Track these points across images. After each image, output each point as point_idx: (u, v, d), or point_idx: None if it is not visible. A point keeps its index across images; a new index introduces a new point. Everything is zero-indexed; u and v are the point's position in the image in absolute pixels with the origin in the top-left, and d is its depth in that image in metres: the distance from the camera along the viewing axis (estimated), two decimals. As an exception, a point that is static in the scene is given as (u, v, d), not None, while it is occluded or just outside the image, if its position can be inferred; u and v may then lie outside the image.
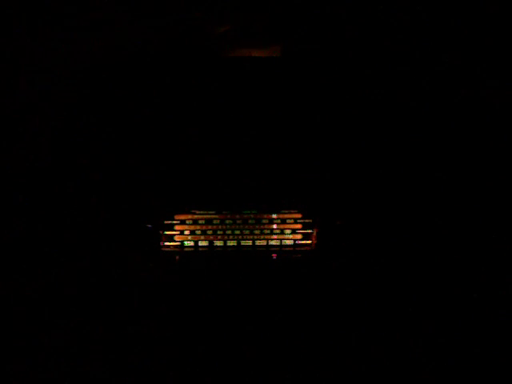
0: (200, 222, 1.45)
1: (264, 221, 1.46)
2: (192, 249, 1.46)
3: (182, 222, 1.45)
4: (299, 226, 1.46)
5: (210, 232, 1.46)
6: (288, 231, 1.47)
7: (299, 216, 1.46)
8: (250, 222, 1.46)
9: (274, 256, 1.46)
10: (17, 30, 1.33)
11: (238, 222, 1.46)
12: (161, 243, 1.45)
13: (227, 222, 1.46)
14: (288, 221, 1.46)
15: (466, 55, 1.37)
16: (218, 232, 1.46)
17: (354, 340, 1.35)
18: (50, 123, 1.41)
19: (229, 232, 1.46)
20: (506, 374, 1.28)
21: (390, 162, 1.43)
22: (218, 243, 1.46)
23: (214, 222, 1.45)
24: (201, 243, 1.46)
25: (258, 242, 1.46)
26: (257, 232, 1.46)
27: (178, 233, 1.45)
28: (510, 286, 1.37)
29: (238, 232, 1.46)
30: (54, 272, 1.39)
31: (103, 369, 1.31)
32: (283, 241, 1.47)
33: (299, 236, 1.47)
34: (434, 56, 1.39)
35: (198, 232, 1.46)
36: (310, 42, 1.41)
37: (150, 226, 1.44)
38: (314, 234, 1.46)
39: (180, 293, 1.40)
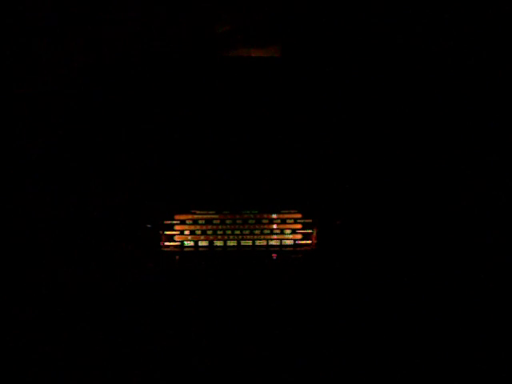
0: (200, 222, 1.45)
1: (264, 221, 1.46)
2: (192, 249, 1.46)
3: (182, 222, 1.45)
4: (299, 225, 1.46)
5: (209, 232, 1.46)
6: (288, 231, 1.47)
7: (299, 216, 1.46)
8: (250, 222, 1.46)
9: (274, 256, 1.46)
10: (19, 31, 1.33)
11: (238, 222, 1.46)
12: (161, 243, 1.45)
13: (227, 221, 1.46)
14: (288, 221, 1.46)
15: (465, 55, 1.37)
16: (218, 232, 1.46)
17: (354, 339, 1.35)
18: (52, 123, 1.41)
19: (229, 232, 1.46)
20: (506, 374, 1.28)
21: (390, 162, 1.43)
22: (218, 243, 1.46)
23: (214, 222, 1.46)
24: (201, 243, 1.46)
25: (257, 242, 1.46)
26: (257, 232, 1.46)
27: (177, 233, 1.45)
28: (510, 286, 1.37)
29: (238, 232, 1.46)
30: (53, 272, 1.39)
31: (103, 368, 1.31)
32: (283, 241, 1.47)
33: (299, 236, 1.47)
34: (434, 56, 1.39)
35: (198, 232, 1.46)
36: (309, 42, 1.41)
37: (149, 225, 1.44)
38: (314, 234, 1.46)
39: (180, 293, 1.40)
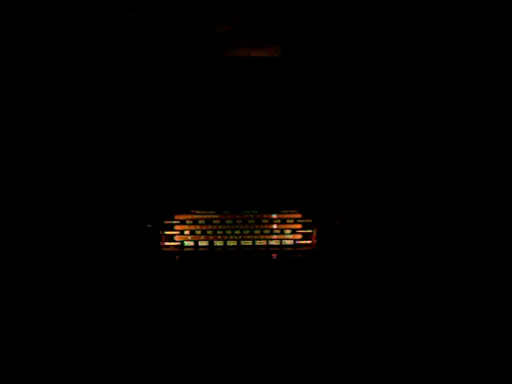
0: (200, 222, 1.45)
1: (264, 221, 1.46)
2: (192, 249, 1.46)
3: (182, 222, 1.45)
4: (299, 225, 1.46)
5: (209, 232, 1.46)
6: (288, 231, 1.47)
7: (299, 216, 1.46)
8: (249, 222, 1.46)
9: (274, 256, 1.46)
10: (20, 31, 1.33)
11: (238, 222, 1.46)
12: (161, 243, 1.45)
13: (227, 221, 1.46)
14: (288, 221, 1.46)
15: (465, 55, 1.37)
16: (218, 232, 1.46)
17: (354, 339, 1.35)
18: (52, 123, 1.41)
19: (229, 232, 1.46)
20: (506, 374, 1.28)
21: (390, 162, 1.43)
22: (218, 243, 1.46)
23: (214, 222, 1.45)
24: (201, 243, 1.46)
25: (257, 242, 1.46)
26: (257, 232, 1.46)
27: (177, 233, 1.45)
28: (510, 287, 1.37)
29: (238, 232, 1.46)
30: (53, 272, 1.39)
31: (103, 368, 1.31)
32: (283, 241, 1.47)
33: (299, 236, 1.47)
34: (434, 56, 1.39)
35: (198, 232, 1.46)
36: (309, 42, 1.41)
37: (149, 225, 1.44)
38: (314, 234, 1.46)
39: (180, 293, 1.40)
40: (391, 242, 1.43)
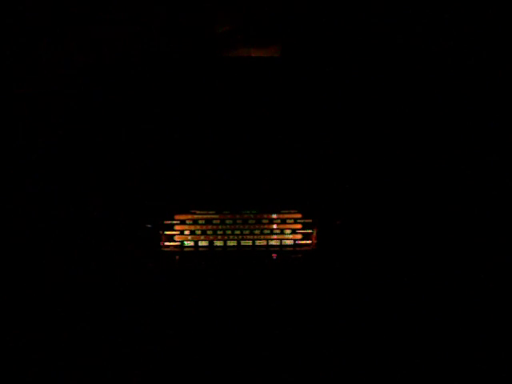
0: (200, 222, 1.45)
1: (264, 221, 1.46)
2: (192, 249, 1.46)
3: (182, 222, 1.45)
4: (299, 225, 1.46)
5: (210, 232, 1.46)
6: (288, 231, 1.47)
7: (299, 216, 1.46)
8: (250, 222, 1.46)
9: (274, 256, 1.46)
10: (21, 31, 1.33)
11: (238, 222, 1.46)
12: (161, 243, 1.45)
13: (227, 221, 1.46)
14: (288, 221, 1.46)
15: (465, 55, 1.37)
16: (218, 232, 1.46)
17: (354, 339, 1.35)
18: (52, 123, 1.41)
19: (229, 232, 1.46)
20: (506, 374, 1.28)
21: (390, 162, 1.43)
22: (218, 243, 1.46)
23: (214, 222, 1.46)
24: (201, 243, 1.46)
25: (257, 242, 1.47)
26: (257, 232, 1.46)
27: (177, 233, 1.45)
28: (510, 287, 1.37)
29: (238, 232, 1.46)
30: (54, 272, 1.39)
31: (103, 368, 1.31)
32: (283, 241, 1.47)
33: (299, 236, 1.47)
34: (434, 56, 1.39)
35: (198, 232, 1.46)
36: (309, 42, 1.41)
37: (149, 225, 1.44)
38: (314, 234, 1.46)
39: (180, 293, 1.40)
40: (391, 241, 1.43)
